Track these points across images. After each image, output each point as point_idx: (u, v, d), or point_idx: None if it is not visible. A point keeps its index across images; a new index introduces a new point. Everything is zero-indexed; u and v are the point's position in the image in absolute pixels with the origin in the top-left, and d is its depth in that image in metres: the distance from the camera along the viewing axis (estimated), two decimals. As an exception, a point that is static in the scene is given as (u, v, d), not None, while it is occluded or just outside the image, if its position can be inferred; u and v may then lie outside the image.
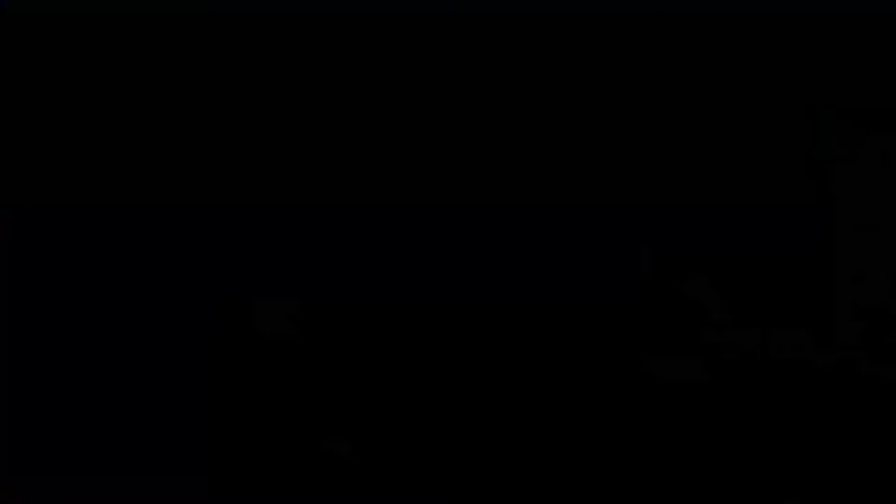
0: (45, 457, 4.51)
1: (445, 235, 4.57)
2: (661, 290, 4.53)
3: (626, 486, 4.43)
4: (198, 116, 4.61)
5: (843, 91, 4.46)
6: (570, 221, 4.55)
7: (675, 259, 4.53)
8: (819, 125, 4.49)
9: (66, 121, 4.61)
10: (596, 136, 4.55)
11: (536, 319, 4.54)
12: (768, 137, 4.51)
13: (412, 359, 4.56)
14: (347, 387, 4.56)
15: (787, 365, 4.46)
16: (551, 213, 4.56)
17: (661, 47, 4.52)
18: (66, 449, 4.52)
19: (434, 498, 4.44)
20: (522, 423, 4.51)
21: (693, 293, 4.52)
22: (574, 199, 4.55)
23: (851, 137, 4.48)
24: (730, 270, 4.51)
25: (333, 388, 4.56)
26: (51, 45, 4.60)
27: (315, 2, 4.55)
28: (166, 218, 4.58)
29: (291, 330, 4.59)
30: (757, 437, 4.43)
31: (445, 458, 4.49)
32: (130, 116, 4.61)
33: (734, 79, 4.50)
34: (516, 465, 4.48)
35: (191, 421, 4.54)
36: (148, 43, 4.59)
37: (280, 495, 4.46)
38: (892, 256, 4.47)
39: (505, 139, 4.57)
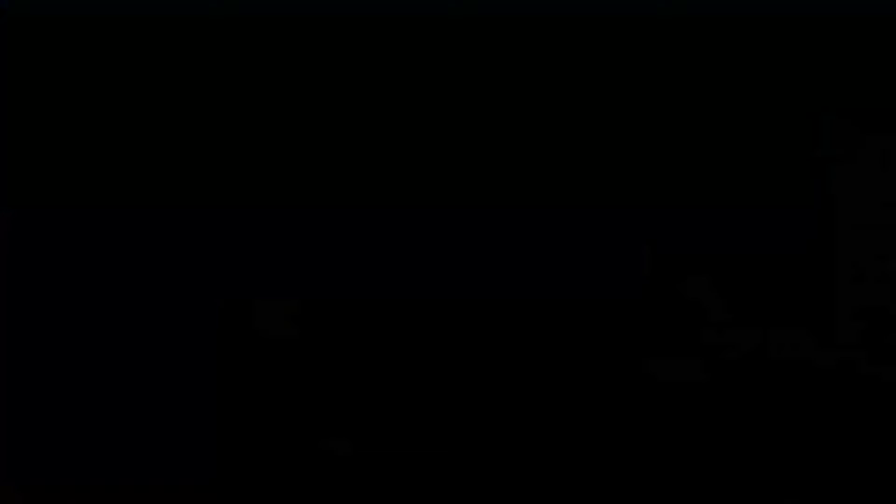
0: (45, 456, 4.52)
1: (445, 235, 4.57)
2: (661, 290, 4.53)
3: (626, 486, 4.44)
4: (198, 116, 4.61)
5: (843, 91, 4.46)
6: (570, 221, 4.55)
7: (675, 259, 4.53)
8: (819, 125, 4.49)
9: (67, 121, 4.61)
10: (596, 137, 4.55)
11: (536, 319, 4.54)
12: (768, 138, 4.50)
13: (412, 359, 4.56)
14: (347, 387, 4.57)
15: (787, 365, 4.46)
16: (551, 213, 4.56)
17: (661, 47, 4.52)
18: (65, 448, 4.52)
19: (434, 498, 4.44)
20: (522, 423, 4.51)
21: (693, 293, 4.52)
22: (574, 199, 4.55)
23: (851, 137, 4.48)
24: (730, 270, 4.51)
25: (333, 388, 4.57)
26: (51, 45, 4.60)
27: (315, 2, 4.55)
28: (167, 218, 4.59)
29: (291, 330, 4.59)
30: (756, 436, 4.43)
31: (445, 458, 4.49)
32: (130, 117, 4.61)
33: (735, 79, 4.50)
34: (516, 464, 4.48)
35: (190, 420, 4.55)
36: (148, 43, 4.59)
37: (280, 495, 4.47)
38: (892, 256, 4.47)
39: (504, 139, 4.57)
